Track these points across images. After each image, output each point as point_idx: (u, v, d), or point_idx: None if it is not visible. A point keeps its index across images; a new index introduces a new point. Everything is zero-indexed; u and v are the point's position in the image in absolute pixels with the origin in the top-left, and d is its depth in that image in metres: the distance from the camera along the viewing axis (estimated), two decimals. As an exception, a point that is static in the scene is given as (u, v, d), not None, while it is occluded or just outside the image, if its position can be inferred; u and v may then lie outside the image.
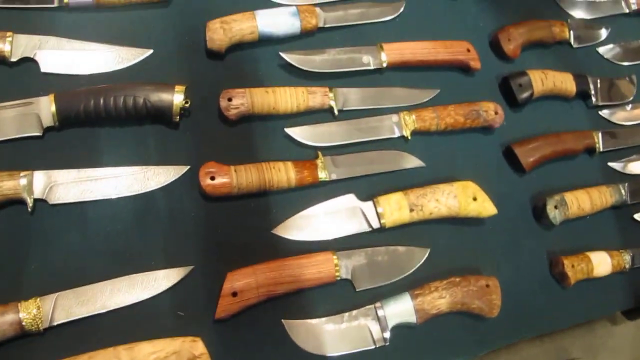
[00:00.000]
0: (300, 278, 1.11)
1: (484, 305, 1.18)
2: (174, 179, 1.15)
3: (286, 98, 1.23)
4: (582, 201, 1.37)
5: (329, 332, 1.11)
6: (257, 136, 1.25)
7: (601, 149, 1.50)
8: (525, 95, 1.44)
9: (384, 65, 1.35)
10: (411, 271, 1.21)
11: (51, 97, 1.11)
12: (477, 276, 1.21)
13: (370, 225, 1.21)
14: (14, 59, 1.15)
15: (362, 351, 1.12)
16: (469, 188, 1.26)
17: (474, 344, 1.22)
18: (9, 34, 1.15)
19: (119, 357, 0.96)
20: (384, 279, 1.18)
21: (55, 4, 1.21)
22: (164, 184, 1.15)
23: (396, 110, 1.33)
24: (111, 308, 1.03)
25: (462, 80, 1.46)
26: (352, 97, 1.32)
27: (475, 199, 1.25)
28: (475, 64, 1.43)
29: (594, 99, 1.56)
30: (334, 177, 1.22)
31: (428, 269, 1.22)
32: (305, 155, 1.25)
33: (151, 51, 1.24)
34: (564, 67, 1.56)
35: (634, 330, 1.82)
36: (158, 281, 1.07)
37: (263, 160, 1.18)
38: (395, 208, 1.21)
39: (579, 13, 1.68)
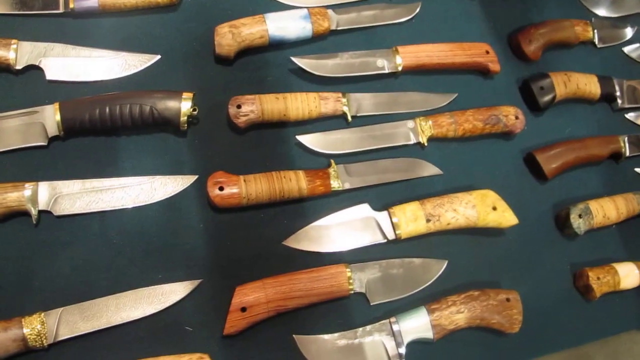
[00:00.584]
0: (311, 292, 1.08)
1: (504, 321, 1.14)
2: (181, 189, 1.13)
3: (297, 104, 1.20)
4: (607, 210, 1.32)
5: (342, 348, 1.08)
6: (268, 144, 1.22)
7: (627, 154, 1.44)
8: (547, 98, 1.39)
9: (399, 69, 1.32)
10: (427, 284, 1.17)
11: (55, 105, 1.09)
12: (496, 290, 1.17)
13: (385, 237, 1.17)
14: (18, 67, 1.14)
15: (377, 368, 1.08)
16: (488, 197, 1.22)
17: (493, 361, 1.18)
18: (13, 41, 1.13)
19: (123, 375, 0.94)
20: (399, 292, 1.15)
21: (61, 10, 1.20)
22: (172, 195, 1.13)
23: (412, 116, 1.30)
24: (117, 323, 1.01)
25: (481, 84, 1.42)
26: (366, 102, 1.28)
27: (494, 208, 1.21)
28: (495, 66, 1.39)
29: (619, 102, 1.51)
30: (347, 186, 1.19)
31: (445, 282, 1.19)
32: (317, 163, 1.22)
33: (158, 57, 1.22)
34: (588, 68, 1.51)
35: (660, 336, 1.77)
36: (165, 295, 1.05)
37: (273, 170, 1.15)
38: (411, 218, 1.17)
39: (602, 11, 1.63)
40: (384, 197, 1.23)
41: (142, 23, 1.25)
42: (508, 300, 1.15)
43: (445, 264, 1.19)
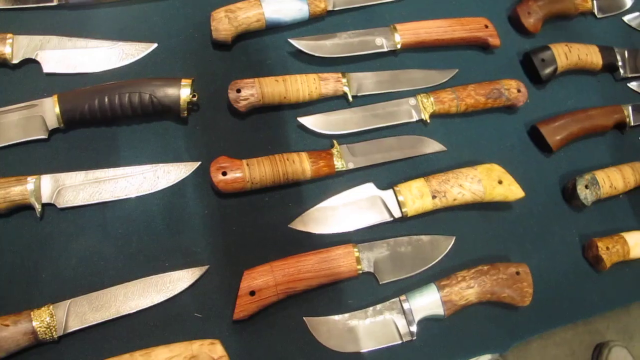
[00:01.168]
0: (320, 273, 1.07)
1: (515, 294, 1.13)
2: (184, 176, 1.12)
3: (297, 86, 1.19)
4: (614, 180, 1.31)
5: (353, 328, 1.07)
6: (269, 127, 1.21)
7: (632, 124, 1.43)
8: (549, 70, 1.38)
9: (398, 46, 1.30)
10: (436, 261, 1.16)
11: (54, 98, 1.08)
12: (506, 263, 1.15)
13: (391, 215, 1.16)
14: (15, 61, 1.13)
15: (389, 347, 1.08)
16: (494, 171, 1.21)
17: (505, 335, 1.17)
18: (9, 35, 1.12)
19: (135, 363, 0.93)
20: (408, 270, 1.14)
21: (55, 2, 1.19)
22: (175, 182, 1.12)
23: (413, 93, 1.29)
24: (126, 313, 1.01)
25: (482, 59, 1.40)
26: (367, 81, 1.27)
27: (500, 182, 1.20)
28: (495, 40, 1.37)
29: (622, 71, 1.49)
30: (351, 166, 1.18)
31: (454, 258, 1.18)
32: (320, 145, 1.21)
33: (155, 45, 1.21)
34: (589, 39, 1.49)
35: (671, 310, 1.77)
36: (173, 283, 1.04)
37: (276, 153, 1.14)
38: (417, 196, 1.16)
39: (601, -19, 1.61)
40: (388, 175, 1.22)
41: (138, 12, 1.24)
42: (518, 273, 1.14)
43: (454, 240, 1.18)
